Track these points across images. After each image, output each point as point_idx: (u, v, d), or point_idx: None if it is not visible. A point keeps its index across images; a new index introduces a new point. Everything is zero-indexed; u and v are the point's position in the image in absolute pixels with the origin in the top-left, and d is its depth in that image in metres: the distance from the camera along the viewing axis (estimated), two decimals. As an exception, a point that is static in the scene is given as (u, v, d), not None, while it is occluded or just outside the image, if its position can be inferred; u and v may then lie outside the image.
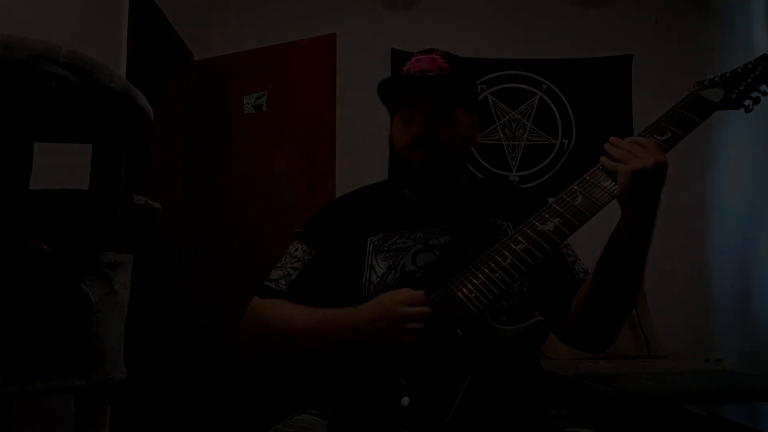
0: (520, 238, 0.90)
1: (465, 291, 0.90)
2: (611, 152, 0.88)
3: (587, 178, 0.90)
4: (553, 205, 0.91)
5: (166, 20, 2.76)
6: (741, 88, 0.94)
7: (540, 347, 1.03)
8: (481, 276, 0.90)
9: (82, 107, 0.96)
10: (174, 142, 3.08)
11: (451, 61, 1.07)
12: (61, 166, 1.40)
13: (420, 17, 3.51)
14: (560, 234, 0.88)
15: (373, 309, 0.92)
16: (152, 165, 3.08)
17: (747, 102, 0.94)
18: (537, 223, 0.90)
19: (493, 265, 0.90)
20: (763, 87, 0.94)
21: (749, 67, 0.96)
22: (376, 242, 1.06)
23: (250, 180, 3.02)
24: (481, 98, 3.42)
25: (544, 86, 3.52)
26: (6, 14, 1.61)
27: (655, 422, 1.82)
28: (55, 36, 0.96)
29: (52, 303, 0.92)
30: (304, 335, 1.00)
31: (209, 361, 2.94)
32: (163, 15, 2.72)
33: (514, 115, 3.50)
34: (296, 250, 1.12)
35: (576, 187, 0.90)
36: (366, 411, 0.88)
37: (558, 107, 3.51)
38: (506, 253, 0.90)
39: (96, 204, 1.05)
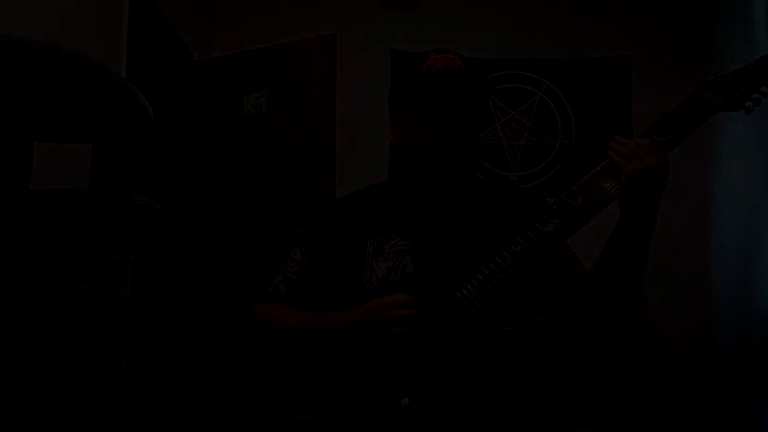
0: (519, 239, 0.90)
1: (465, 292, 0.90)
2: (616, 149, 0.88)
3: (587, 179, 0.91)
4: (553, 206, 0.91)
5: (166, 20, 2.76)
6: (741, 89, 0.94)
7: (540, 348, 1.03)
8: (480, 277, 0.90)
9: (81, 107, 0.96)
10: (174, 142, 3.08)
11: (466, 61, 1.06)
12: (61, 166, 1.40)
13: (420, 17, 3.50)
14: (559, 235, 0.88)
15: (363, 311, 0.94)
16: (152, 165, 3.07)
17: (748, 103, 0.94)
18: (536, 225, 0.90)
19: (492, 266, 0.90)
20: (763, 88, 0.95)
21: (750, 68, 0.96)
22: (375, 244, 1.06)
23: (250, 180, 3.01)
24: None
25: (544, 86, 3.51)
26: (6, 14, 1.61)
27: (655, 422, 1.82)
28: (55, 36, 0.96)
29: (51, 303, 0.92)
30: (300, 339, 1.01)
31: (209, 360, 2.94)
32: (163, 15, 2.71)
33: (514, 115, 3.50)
34: (296, 253, 1.12)
35: (575, 189, 0.90)
36: (366, 412, 0.88)
37: (558, 107, 3.51)
38: (506, 254, 0.90)
39: (96, 204, 1.05)
